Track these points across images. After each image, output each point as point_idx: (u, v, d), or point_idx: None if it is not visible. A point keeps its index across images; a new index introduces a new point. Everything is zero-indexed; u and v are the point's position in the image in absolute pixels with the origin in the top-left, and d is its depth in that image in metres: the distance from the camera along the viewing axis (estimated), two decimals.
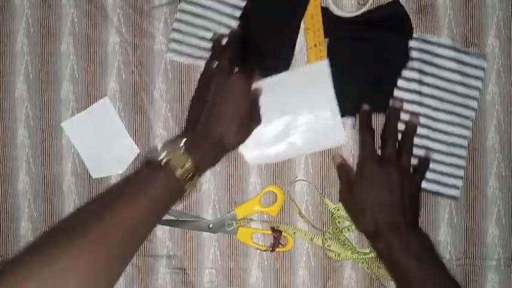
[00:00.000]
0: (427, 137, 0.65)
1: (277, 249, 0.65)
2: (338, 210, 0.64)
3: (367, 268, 0.64)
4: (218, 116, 0.58)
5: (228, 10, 0.65)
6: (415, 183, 0.62)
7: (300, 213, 0.65)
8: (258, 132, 0.64)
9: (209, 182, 0.67)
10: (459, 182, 0.65)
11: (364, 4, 0.65)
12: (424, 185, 0.65)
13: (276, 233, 0.65)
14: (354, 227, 0.64)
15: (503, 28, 0.67)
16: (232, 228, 0.65)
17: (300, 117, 0.65)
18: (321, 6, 0.65)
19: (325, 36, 0.65)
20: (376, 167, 0.60)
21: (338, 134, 0.65)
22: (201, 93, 0.61)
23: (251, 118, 0.62)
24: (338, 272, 0.66)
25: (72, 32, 0.67)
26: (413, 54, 0.65)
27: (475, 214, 0.66)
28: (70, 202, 0.66)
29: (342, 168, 0.64)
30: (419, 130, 0.65)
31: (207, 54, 0.65)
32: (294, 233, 0.65)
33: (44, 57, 0.67)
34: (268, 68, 0.66)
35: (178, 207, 0.66)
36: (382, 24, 0.65)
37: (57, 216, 0.66)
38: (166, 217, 0.66)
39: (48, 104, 0.67)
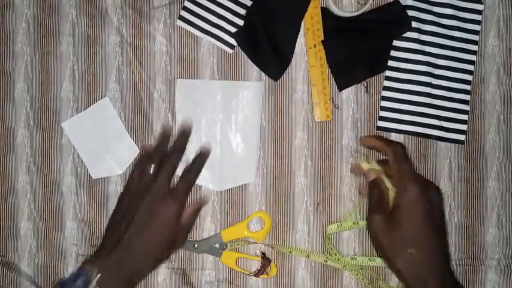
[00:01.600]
0: (430, 84, 0.65)
1: (260, 276, 0.65)
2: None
3: (362, 279, 0.64)
4: (137, 251, 0.53)
5: None
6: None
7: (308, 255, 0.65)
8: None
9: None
10: (464, 127, 0.66)
11: (364, 4, 0.65)
12: (429, 131, 0.65)
13: (265, 260, 0.65)
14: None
15: (503, 28, 0.67)
16: (225, 250, 0.65)
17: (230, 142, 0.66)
18: (321, 7, 0.66)
19: (325, 36, 0.65)
20: (421, 192, 0.49)
21: (250, 170, 0.66)
22: (128, 207, 0.56)
23: (174, 245, 0.57)
24: (338, 272, 0.66)
25: (72, 32, 0.67)
26: (410, 2, 0.65)
27: (475, 214, 0.66)
28: (70, 202, 0.66)
29: (375, 186, 0.53)
30: (422, 78, 0.65)
31: (214, 31, 0.66)
32: (290, 251, 0.65)
33: (44, 57, 0.67)
34: (268, 68, 0.66)
35: None
36: (381, 24, 0.65)
37: (57, 216, 0.66)
38: None
39: (48, 104, 0.67)
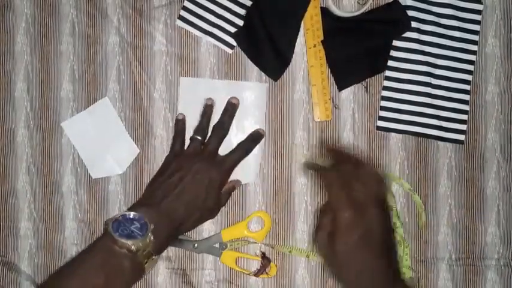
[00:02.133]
0: (429, 84, 0.65)
1: (260, 276, 0.65)
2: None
3: None
4: (187, 203, 0.58)
5: None
6: (390, 220, 0.52)
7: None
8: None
9: None
10: (463, 126, 0.66)
11: (363, 4, 0.65)
12: (429, 131, 0.65)
13: (265, 260, 0.65)
14: None
15: (503, 28, 0.67)
16: (225, 250, 0.65)
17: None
18: (321, 7, 0.66)
19: (325, 36, 0.65)
20: (351, 216, 0.48)
21: (250, 170, 0.66)
22: (179, 166, 0.60)
23: (211, 213, 0.62)
24: None
25: (72, 32, 0.67)
26: (409, 2, 0.65)
27: (475, 214, 0.66)
28: (70, 202, 0.66)
29: (323, 214, 0.52)
30: (422, 78, 0.65)
31: (214, 31, 0.66)
32: (290, 251, 0.65)
33: (43, 57, 0.67)
34: (267, 68, 0.66)
35: None
36: (381, 25, 0.66)
37: (57, 216, 0.66)
38: None
39: (48, 104, 0.67)
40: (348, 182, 0.50)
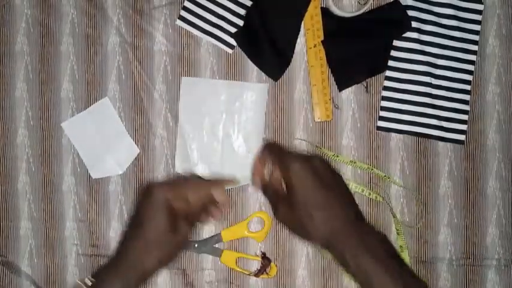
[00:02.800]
0: (430, 84, 0.65)
1: (260, 276, 0.65)
2: (337, 156, 0.65)
3: None
4: (136, 237, 0.51)
5: None
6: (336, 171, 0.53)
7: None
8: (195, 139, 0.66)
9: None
10: (464, 127, 0.66)
11: (364, 4, 0.65)
12: (429, 131, 0.65)
13: (265, 260, 0.65)
14: None
15: (503, 28, 0.67)
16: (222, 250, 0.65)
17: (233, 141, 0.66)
18: (321, 7, 0.66)
19: (325, 36, 0.65)
20: (302, 165, 0.50)
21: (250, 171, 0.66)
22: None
23: (175, 234, 0.52)
24: (338, 272, 0.66)
25: (72, 32, 0.67)
26: (410, 2, 0.65)
27: (475, 214, 0.66)
28: (70, 202, 0.66)
29: (264, 184, 0.54)
30: (422, 78, 0.65)
31: (214, 31, 0.66)
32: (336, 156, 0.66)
33: (44, 57, 0.67)
34: (268, 68, 0.66)
35: None
36: (381, 25, 0.65)
37: (57, 216, 0.66)
38: None
39: (48, 104, 0.67)
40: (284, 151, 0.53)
